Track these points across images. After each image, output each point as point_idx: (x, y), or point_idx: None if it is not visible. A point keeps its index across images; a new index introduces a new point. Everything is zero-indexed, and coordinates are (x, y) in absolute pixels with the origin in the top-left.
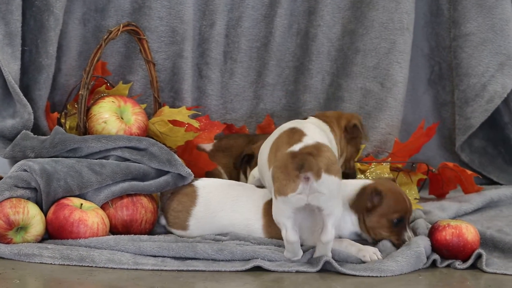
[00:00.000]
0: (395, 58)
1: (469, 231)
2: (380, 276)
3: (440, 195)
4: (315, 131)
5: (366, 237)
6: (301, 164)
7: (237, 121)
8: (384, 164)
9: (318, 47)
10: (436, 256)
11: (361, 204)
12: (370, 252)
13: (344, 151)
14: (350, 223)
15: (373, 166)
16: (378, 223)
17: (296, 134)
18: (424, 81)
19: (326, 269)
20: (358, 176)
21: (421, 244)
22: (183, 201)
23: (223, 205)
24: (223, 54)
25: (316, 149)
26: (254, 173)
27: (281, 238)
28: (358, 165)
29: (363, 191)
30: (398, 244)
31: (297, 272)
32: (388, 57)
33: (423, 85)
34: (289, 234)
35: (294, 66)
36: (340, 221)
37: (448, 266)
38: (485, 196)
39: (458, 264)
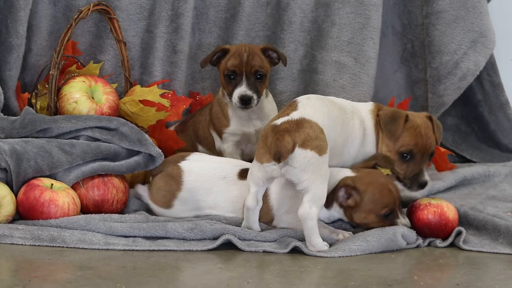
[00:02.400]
0: (369, 34)
1: (450, 210)
2: (351, 256)
3: None
4: (312, 108)
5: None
6: (276, 141)
7: (206, 89)
8: None
9: (290, 17)
10: (419, 242)
11: (337, 201)
12: (343, 232)
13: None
14: (336, 216)
15: None
16: (367, 219)
17: (289, 108)
18: (396, 59)
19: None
20: None
21: (397, 229)
22: (170, 183)
23: (207, 192)
24: (191, 26)
25: (296, 125)
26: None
27: (267, 223)
28: None
29: (336, 186)
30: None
31: (264, 252)
32: (362, 33)
33: (396, 63)
34: (249, 198)
35: (265, 36)
36: (325, 214)
37: (428, 244)
38: (458, 174)
39: (438, 242)
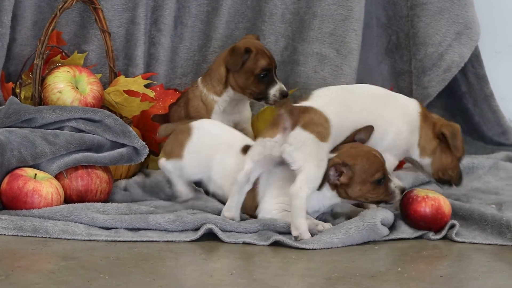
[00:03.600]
0: (351, 25)
1: (446, 204)
2: (332, 248)
3: (397, 165)
4: (323, 99)
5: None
6: (285, 113)
7: (186, 85)
8: None
9: (271, 8)
10: (405, 232)
11: (329, 182)
12: (323, 224)
13: (434, 155)
14: (328, 197)
15: None
16: (362, 190)
17: (302, 99)
18: (381, 50)
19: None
20: None
21: (376, 216)
22: (180, 136)
23: (214, 152)
24: (173, 20)
25: (305, 108)
26: None
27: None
28: None
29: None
30: (390, 198)
31: (244, 243)
32: (344, 24)
33: (380, 54)
34: (241, 173)
35: (244, 27)
36: (317, 197)
37: (420, 237)
38: None
39: (431, 235)
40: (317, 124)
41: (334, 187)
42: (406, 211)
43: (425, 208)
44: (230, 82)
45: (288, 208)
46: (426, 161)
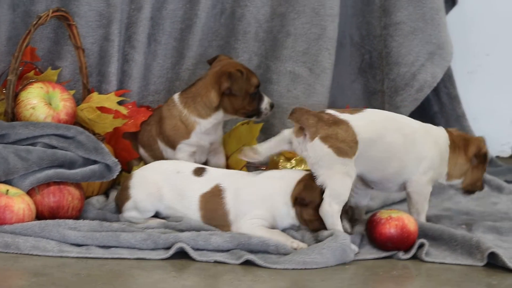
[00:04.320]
0: (324, 44)
1: (410, 222)
2: (305, 269)
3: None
4: (364, 120)
5: (305, 229)
6: (312, 119)
7: (159, 102)
8: None
9: (244, 27)
10: (372, 254)
11: (303, 198)
12: (298, 242)
13: (465, 175)
14: (289, 216)
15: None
16: (314, 215)
17: (352, 110)
18: (354, 70)
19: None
20: (284, 163)
21: (347, 237)
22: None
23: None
24: (147, 37)
25: (333, 121)
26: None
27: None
28: (284, 153)
29: (297, 184)
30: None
31: (215, 262)
32: (318, 43)
33: (353, 73)
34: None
35: (218, 45)
36: (280, 214)
37: (390, 257)
38: None
39: (401, 255)
40: (339, 140)
41: (298, 204)
42: (372, 235)
43: (390, 229)
44: (224, 106)
45: (265, 223)
46: (455, 182)
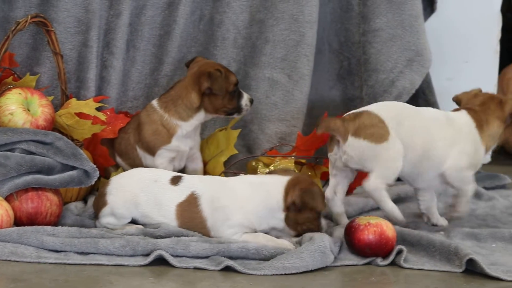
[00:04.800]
0: (303, 51)
1: (389, 228)
2: (285, 274)
3: (347, 191)
4: (380, 105)
5: (288, 232)
6: (336, 125)
7: (138, 108)
8: (289, 158)
9: (223, 33)
10: (351, 260)
11: (294, 203)
12: (286, 245)
13: (500, 136)
14: (274, 219)
15: (277, 160)
16: (308, 218)
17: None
18: (333, 76)
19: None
20: (263, 169)
21: (325, 239)
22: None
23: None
24: (126, 43)
25: (354, 115)
26: None
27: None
28: (263, 159)
29: (291, 189)
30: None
31: (195, 268)
32: (296, 50)
33: (332, 80)
34: (327, 190)
35: (197, 52)
36: (269, 218)
37: (368, 263)
38: (392, 192)
39: (379, 261)
40: (368, 127)
41: (288, 208)
42: (350, 241)
43: (368, 235)
44: (205, 106)
45: (245, 229)
46: (493, 147)
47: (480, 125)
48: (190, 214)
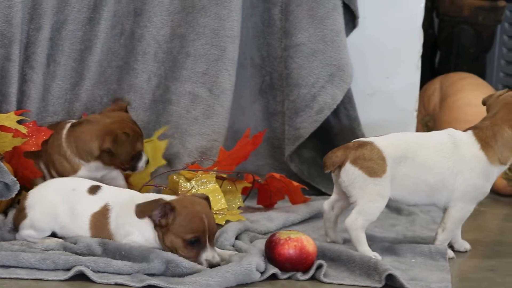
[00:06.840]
0: (224, 65)
1: (309, 243)
2: None
3: (268, 205)
4: (385, 139)
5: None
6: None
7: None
8: (210, 172)
9: (144, 47)
10: (275, 270)
11: (150, 217)
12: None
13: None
14: (153, 238)
15: (199, 175)
16: (173, 243)
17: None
18: (254, 91)
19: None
20: (185, 183)
21: (253, 262)
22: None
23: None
24: (46, 57)
25: (358, 145)
26: None
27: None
28: (184, 173)
29: (155, 204)
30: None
31: (116, 284)
32: (217, 64)
33: (254, 94)
34: (325, 203)
35: (117, 66)
36: (145, 234)
37: (289, 278)
38: (313, 207)
39: (300, 275)
40: (367, 160)
41: (154, 225)
42: (271, 255)
43: (288, 249)
44: (103, 159)
45: (143, 242)
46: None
47: (486, 143)
48: (101, 226)
